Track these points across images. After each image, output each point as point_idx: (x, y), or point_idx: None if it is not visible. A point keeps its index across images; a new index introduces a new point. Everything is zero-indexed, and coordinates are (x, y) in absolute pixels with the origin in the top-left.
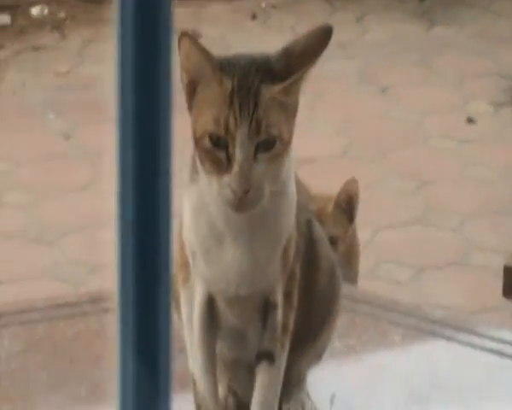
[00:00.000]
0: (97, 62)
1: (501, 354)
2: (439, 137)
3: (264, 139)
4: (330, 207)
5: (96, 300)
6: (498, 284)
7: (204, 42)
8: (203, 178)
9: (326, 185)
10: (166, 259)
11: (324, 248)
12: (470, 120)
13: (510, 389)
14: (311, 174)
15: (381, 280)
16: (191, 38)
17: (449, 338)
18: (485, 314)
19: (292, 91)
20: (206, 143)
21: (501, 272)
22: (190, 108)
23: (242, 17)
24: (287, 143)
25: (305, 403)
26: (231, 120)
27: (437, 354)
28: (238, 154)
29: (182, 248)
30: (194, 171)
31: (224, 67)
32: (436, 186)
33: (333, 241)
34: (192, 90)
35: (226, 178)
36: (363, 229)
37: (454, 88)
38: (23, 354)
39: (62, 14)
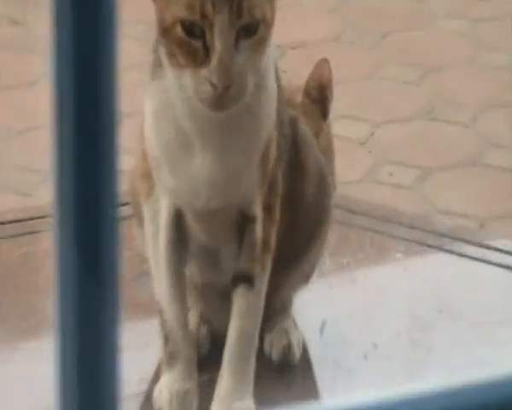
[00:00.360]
0: None
1: None
2: (448, 15)
3: (246, 23)
4: (299, 98)
5: (48, 215)
6: None
7: None
8: (169, 73)
9: None
10: (110, 159)
11: (311, 150)
12: None
13: None
14: (299, 62)
15: (380, 185)
16: None
17: (459, 253)
18: (502, 223)
19: None
20: (178, 31)
21: None
22: None
23: None
24: (270, 26)
25: (291, 333)
26: (208, 3)
27: (445, 271)
28: (218, 42)
29: (144, 155)
30: (157, 65)
31: None
32: (444, 74)
33: None
34: None
35: (204, 72)
36: (359, 125)
37: None
38: None
39: None
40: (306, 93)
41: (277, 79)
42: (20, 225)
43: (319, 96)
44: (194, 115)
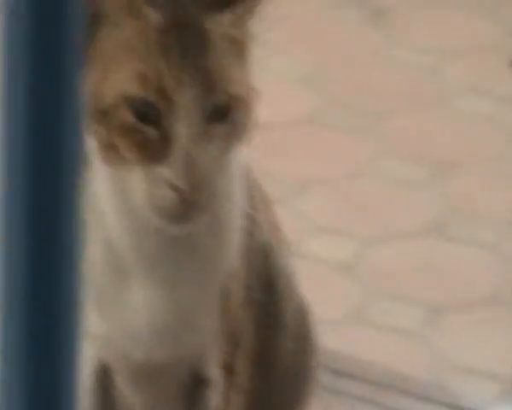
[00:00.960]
0: None
1: None
2: (467, 92)
3: (219, 102)
4: None
5: None
6: None
7: None
8: (101, 171)
9: (288, 166)
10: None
11: (291, 291)
12: None
13: None
14: (264, 148)
15: (371, 328)
16: None
17: None
18: None
19: (244, 21)
20: (124, 114)
21: None
22: (87, 56)
23: None
24: (247, 106)
25: None
26: (168, 76)
27: None
28: (181, 129)
29: None
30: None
31: None
32: (461, 175)
33: None
34: (93, 31)
35: (161, 170)
36: (343, 242)
37: (488, 14)
38: None
39: None
40: None
41: (249, 184)
42: None
43: None
44: (134, 231)
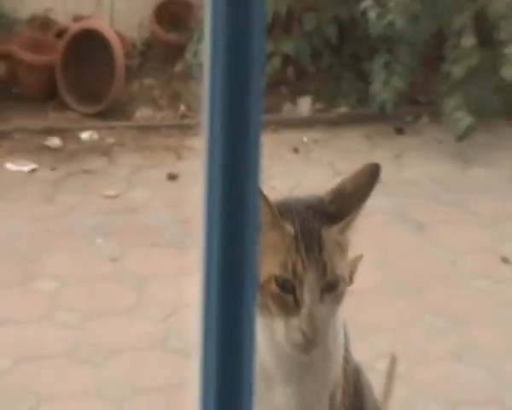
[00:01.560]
0: (144, 188)
1: None
2: (474, 276)
3: (329, 281)
4: None
5: None
6: None
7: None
8: (258, 320)
9: (363, 318)
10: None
11: (370, 397)
12: (505, 260)
13: None
14: (349, 306)
15: None
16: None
17: None
18: None
19: (345, 230)
20: (273, 287)
21: None
22: None
23: (285, 150)
24: (346, 282)
25: None
26: (299, 264)
27: None
28: (307, 296)
29: None
30: None
31: (283, 212)
32: (470, 325)
33: None
34: None
35: (295, 321)
36: (398, 363)
37: (489, 228)
38: None
39: (111, 140)
40: None
41: (345, 332)
42: None
43: None
44: (277, 356)
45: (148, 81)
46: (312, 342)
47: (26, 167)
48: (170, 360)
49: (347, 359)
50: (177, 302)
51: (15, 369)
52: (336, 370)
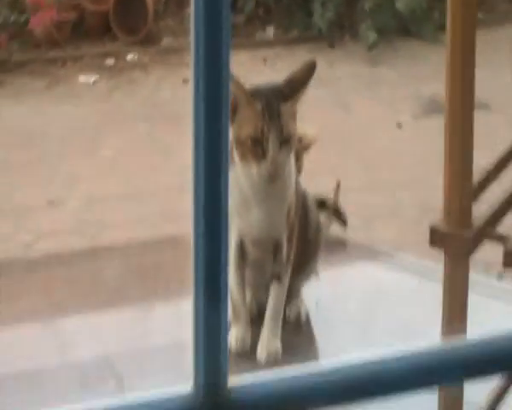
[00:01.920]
0: (169, 89)
1: (419, 274)
2: (381, 136)
3: (285, 137)
4: None
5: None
6: (420, 229)
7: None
8: (239, 165)
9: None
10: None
11: (313, 211)
12: (399, 125)
13: (425, 297)
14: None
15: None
16: (234, 79)
17: (389, 264)
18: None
19: (295, 104)
20: (249, 143)
21: (422, 222)
22: (232, 121)
23: (257, 62)
24: (295, 139)
25: (301, 306)
26: (265, 128)
27: (381, 273)
28: (270, 148)
29: None
30: (231, 160)
31: (253, 94)
32: (378, 168)
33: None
34: (233, 109)
35: (263, 164)
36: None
37: (390, 106)
38: None
39: (146, 59)
40: None
41: (295, 171)
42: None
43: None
44: (253, 187)
45: (169, 20)
46: (275, 176)
47: (92, 79)
48: (188, 199)
49: (297, 188)
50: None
51: (86, 208)
52: (291, 194)
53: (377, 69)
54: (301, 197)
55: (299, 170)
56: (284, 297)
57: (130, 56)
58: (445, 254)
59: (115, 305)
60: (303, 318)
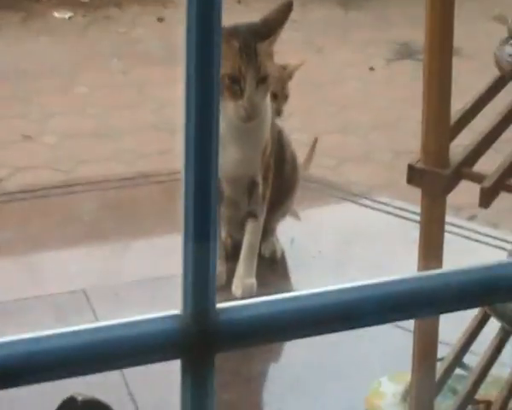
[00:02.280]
0: (144, 27)
1: (391, 214)
2: (353, 79)
3: (261, 76)
4: None
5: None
6: (392, 172)
7: None
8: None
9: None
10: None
11: (289, 149)
12: (371, 69)
13: (398, 236)
14: None
15: (318, 168)
16: None
17: (361, 204)
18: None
19: (271, 44)
20: (226, 81)
21: (394, 164)
22: None
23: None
24: (271, 78)
25: (276, 244)
26: (242, 66)
27: (354, 214)
28: (248, 86)
29: None
30: None
31: (232, 33)
32: (351, 109)
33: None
34: None
35: (240, 102)
36: (306, 133)
37: (361, 50)
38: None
39: None
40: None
41: (271, 111)
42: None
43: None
44: (229, 126)
45: None
46: (251, 115)
47: (67, 15)
48: (162, 136)
49: (273, 125)
50: (166, 98)
51: (61, 143)
52: (266, 132)
53: (350, 12)
54: (277, 135)
55: (285, 98)
56: (259, 235)
57: None
58: (423, 192)
59: (91, 239)
60: (278, 255)
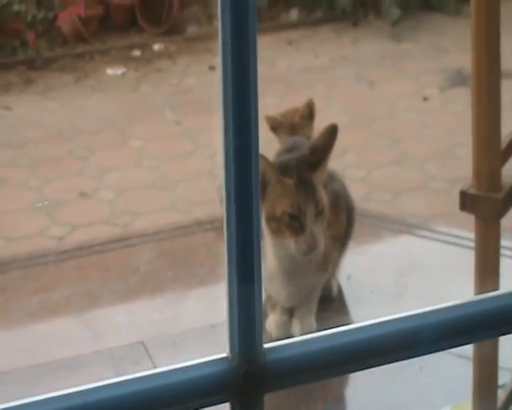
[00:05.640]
0: (196, 77)
1: (451, 243)
2: (406, 110)
3: (319, 210)
4: (297, 118)
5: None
6: (449, 200)
7: (258, 61)
8: (270, 241)
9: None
10: (257, 198)
11: (344, 205)
12: (425, 99)
13: (458, 266)
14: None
15: (373, 201)
16: (262, 157)
17: (419, 235)
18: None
19: (323, 172)
20: (286, 219)
21: (451, 193)
22: (262, 200)
23: (283, 44)
24: (327, 208)
25: (333, 281)
26: (302, 203)
27: (411, 245)
28: (308, 221)
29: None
30: None
31: (283, 171)
32: (405, 141)
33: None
34: (263, 188)
35: (302, 238)
36: (360, 169)
37: (415, 80)
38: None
39: (173, 48)
40: (302, 116)
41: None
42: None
43: (310, 115)
44: (287, 260)
45: (194, 8)
46: (313, 248)
47: (120, 71)
48: (216, 183)
49: (344, 194)
50: (220, 145)
51: (117, 198)
52: (320, 253)
53: (401, 44)
54: (348, 206)
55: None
56: (324, 280)
57: (156, 46)
58: (476, 217)
59: (147, 290)
60: (334, 292)
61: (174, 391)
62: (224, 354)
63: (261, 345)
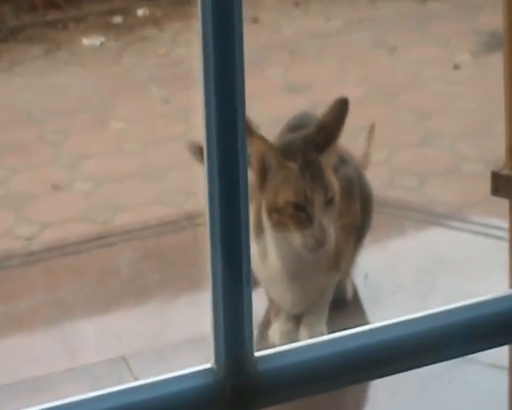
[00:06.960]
0: (186, 46)
1: (486, 235)
2: (434, 81)
3: (329, 198)
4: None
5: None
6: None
7: (261, 26)
8: (272, 235)
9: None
10: (245, 192)
11: (361, 196)
12: (456, 67)
13: (494, 261)
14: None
15: (396, 188)
16: (262, 138)
17: (448, 226)
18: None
19: (332, 153)
20: (290, 209)
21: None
22: (262, 188)
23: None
24: (338, 194)
25: (346, 282)
26: (308, 190)
27: (439, 238)
28: (316, 212)
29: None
30: (259, 230)
31: (285, 153)
32: (432, 117)
33: None
34: (263, 174)
35: (309, 231)
36: (380, 150)
37: (443, 45)
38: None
39: (159, 13)
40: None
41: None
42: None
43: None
44: (293, 257)
45: None
46: (322, 243)
47: (98, 41)
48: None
49: (362, 181)
50: None
51: (96, 191)
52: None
53: (427, 3)
54: (365, 196)
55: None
56: (335, 282)
57: (140, 11)
58: (510, 202)
59: (129, 298)
60: (349, 295)
61: (153, 406)
62: (208, 365)
63: (252, 353)
